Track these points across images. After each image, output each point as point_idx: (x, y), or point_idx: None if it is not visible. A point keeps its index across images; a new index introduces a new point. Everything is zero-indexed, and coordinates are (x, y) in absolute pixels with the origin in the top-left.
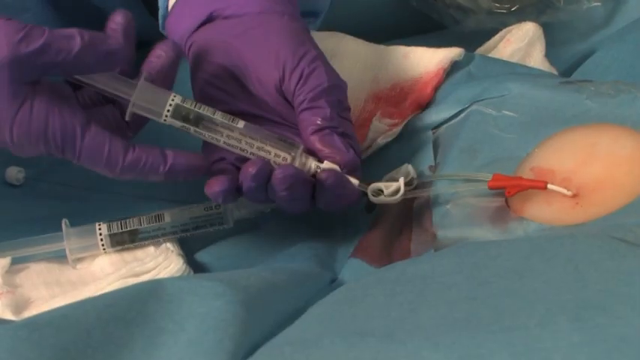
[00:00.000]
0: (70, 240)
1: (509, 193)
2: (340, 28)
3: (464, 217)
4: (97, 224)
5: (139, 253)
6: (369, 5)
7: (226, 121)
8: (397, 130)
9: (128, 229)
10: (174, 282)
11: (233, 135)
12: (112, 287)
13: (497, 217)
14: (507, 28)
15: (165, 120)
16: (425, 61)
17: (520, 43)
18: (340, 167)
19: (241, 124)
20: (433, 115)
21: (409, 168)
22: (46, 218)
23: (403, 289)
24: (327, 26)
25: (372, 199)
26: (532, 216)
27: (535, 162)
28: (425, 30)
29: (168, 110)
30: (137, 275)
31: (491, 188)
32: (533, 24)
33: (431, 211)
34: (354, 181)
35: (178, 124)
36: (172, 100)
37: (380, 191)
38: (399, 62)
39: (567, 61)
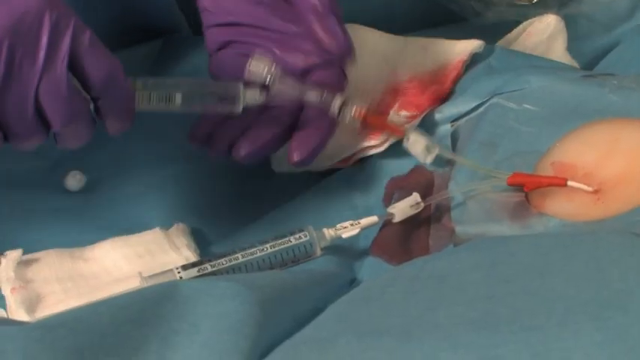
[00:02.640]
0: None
1: (527, 189)
2: (358, 20)
3: (483, 212)
4: (175, 270)
5: (152, 245)
6: None
7: (162, 103)
8: (415, 122)
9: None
10: (188, 283)
11: (174, 111)
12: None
13: (517, 213)
14: (528, 21)
15: None
16: (444, 53)
17: (541, 35)
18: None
19: (179, 99)
20: (452, 108)
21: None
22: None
23: (421, 287)
24: (344, 18)
25: (397, 219)
26: (553, 212)
27: (556, 157)
28: (444, 22)
29: None
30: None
31: (510, 185)
32: (555, 16)
33: (449, 206)
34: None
35: None
36: None
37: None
38: (418, 54)
39: (589, 55)
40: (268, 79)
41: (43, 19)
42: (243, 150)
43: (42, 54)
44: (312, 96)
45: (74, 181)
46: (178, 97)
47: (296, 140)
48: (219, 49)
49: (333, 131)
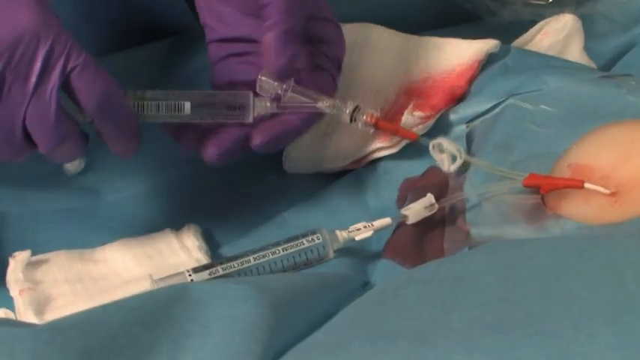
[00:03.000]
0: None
1: (543, 190)
2: (370, 20)
3: (498, 214)
4: (186, 272)
5: (162, 246)
6: None
7: (170, 113)
8: (429, 123)
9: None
10: (200, 286)
11: (183, 120)
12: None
13: (533, 215)
14: (545, 20)
15: None
16: (459, 52)
17: (558, 35)
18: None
19: (187, 108)
20: (467, 109)
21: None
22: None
23: (435, 289)
24: (357, 17)
25: (411, 221)
26: (569, 214)
27: (573, 159)
28: (459, 21)
29: None
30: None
31: (526, 186)
32: (572, 16)
33: (464, 208)
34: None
35: None
36: None
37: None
38: (432, 54)
39: (607, 55)
40: (280, 90)
41: (37, 45)
42: (211, 151)
43: (33, 80)
44: (323, 104)
45: (72, 165)
46: (187, 106)
47: (261, 125)
48: (220, 60)
49: (305, 126)
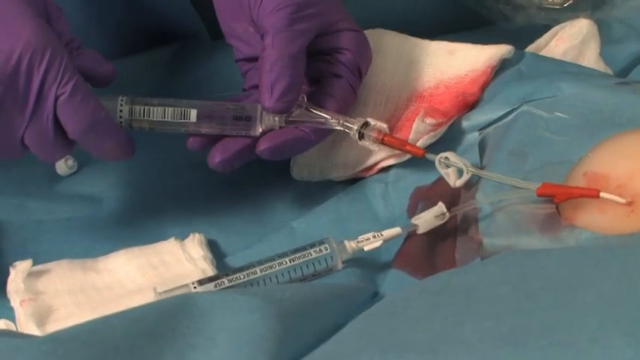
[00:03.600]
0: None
1: (558, 199)
2: (382, 25)
3: (512, 224)
4: (191, 284)
5: (167, 256)
6: (414, 1)
7: (176, 120)
8: (441, 130)
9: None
10: (205, 296)
11: (190, 129)
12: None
13: (547, 225)
14: (560, 25)
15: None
16: (472, 58)
17: (573, 40)
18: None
19: (194, 116)
20: (480, 116)
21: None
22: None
23: (447, 300)
24: (368, 22)
25: (422, 231)
26: (584, 224)
27: (588, 167)
28: (472, 26)
29: (120, 117)
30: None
31: (540, 196)
32: (588, 21)
33: (477, 217)
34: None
35: (135, 128)
36: (121, 107)
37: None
38: (445, 59)
39: (623, 61)
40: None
41: (32, 71)
42: (217, 158)
43: (31, 104)
44: (332, 122)
45: (65, 166)
46: (193, 114)
47: (268, 132)
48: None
49: (313, 139)
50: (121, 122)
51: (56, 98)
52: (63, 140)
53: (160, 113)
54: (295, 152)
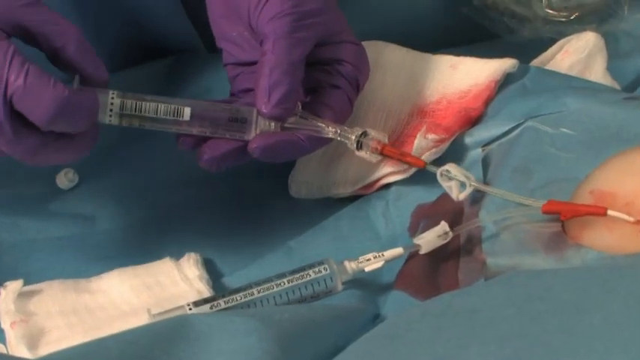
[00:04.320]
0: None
1: (564, 217)
2: (383, 37)
3: (516, 243)
4: (187, 306)
5: (162, 276)
6: (415, 12)
7: (169, 117)
8: (444, 147)
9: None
10: (201, 318)
11: (182, 128)
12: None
13: (553, 244)
14: (566, 38)
15: (110, 121)
16: (475, 72)
17: (579, 54)
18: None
19: (187, 114)
20: (483, 132)
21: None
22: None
23: (450, 323)
24: (370, 35)
25: (424, 251)
26: (591, 243)
27: (595, 184)
28: (476, 39)
29: (111, 110)
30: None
31: (545, 213)
32: (594, 34)
33: (480, 236)
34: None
35: (124, 123)
36: (112, 101)
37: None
38: (447, 73)
39: (631, 75)
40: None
41: None
42: (206, 155)
43: None
44: (329, 130)
45: (65, 179)
46: (187, 112)
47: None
48: (237, 75)
49: (308, 145)
50: (110, 116)
51: (8, 91)
52: (30, 134)
53: (153, 109)
54: (286, 156)
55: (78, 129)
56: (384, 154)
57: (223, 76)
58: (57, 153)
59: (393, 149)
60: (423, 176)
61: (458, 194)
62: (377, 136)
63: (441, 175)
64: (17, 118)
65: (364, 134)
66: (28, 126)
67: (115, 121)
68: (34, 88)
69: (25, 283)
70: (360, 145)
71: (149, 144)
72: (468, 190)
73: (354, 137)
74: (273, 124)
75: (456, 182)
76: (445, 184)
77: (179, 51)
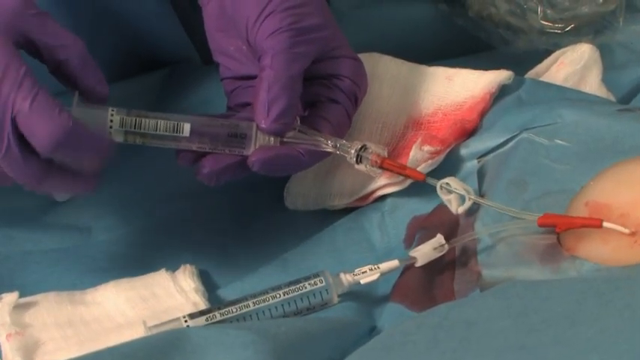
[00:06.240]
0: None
1: (559, 229)
2: (379, 49)
3: (512, 254)
4: (182, 318)
5: (157, 288)
6: (411, 24)
7: (169, 133)
8: (439, 158)
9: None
10: (197, 331)
11: (181, 145)
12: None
13: (548, 256)
14: (561, 50)
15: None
16: (470, 84)
17: (575, 66)
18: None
19: (187, 130)
20: (479, 143)
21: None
22: None
23: (446, 335)
24: (366, 47)
25: (420, 263)
26: (586, 255)
27: (590, 196)
28: (471, 51)
29: (110, 127)
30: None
31: (540, 226)
32: (590, 45)
33: (476, 248)
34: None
35: (123, 140)
36: (111, 118)
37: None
38: (443, 85)
39: (626, 86)
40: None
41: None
42: (206, 169)
43: None
44: (328, 143)
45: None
46: (187, 128)
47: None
48: (235, 89)
49: (307, 159)
50: (110, 134)
51: (14, 112)
52: (36, 160)
53: (152, 125)
54: (286, 170)
55: (79, 165)
56: (383, 168)
57: (219, 88)
58: (63, 184)
59: (393, 162)
60: (418, 188)
61: (457, 207)
62: (376, 149)
63: (441, 188)
64: (23, 141)
65: (364, 148)
66: (35, 153)
67: (118, 138)
68: (38, 113)
69: (21, 295)
70: (359, 159)
71: (144, 156)
72: (467, 204)
73: (353, 151)
74: (272, 138)
75: (455, 195)
76: (444, 198)
77: (174, 62)
